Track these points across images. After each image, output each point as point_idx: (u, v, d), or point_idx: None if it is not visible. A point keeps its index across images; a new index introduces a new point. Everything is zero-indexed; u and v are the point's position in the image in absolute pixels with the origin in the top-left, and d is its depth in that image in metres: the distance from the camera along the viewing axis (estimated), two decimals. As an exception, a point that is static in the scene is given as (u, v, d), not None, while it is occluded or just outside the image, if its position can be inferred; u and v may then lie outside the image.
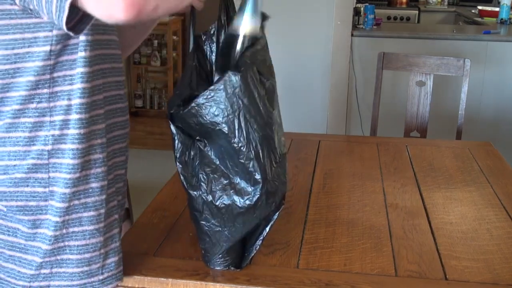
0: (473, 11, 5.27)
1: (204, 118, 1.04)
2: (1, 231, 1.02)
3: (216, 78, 1.15)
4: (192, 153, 1.12)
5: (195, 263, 1.20)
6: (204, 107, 1.04)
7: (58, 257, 1.02)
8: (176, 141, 1.11)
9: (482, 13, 4.91)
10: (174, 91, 1.13)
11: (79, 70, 0.98)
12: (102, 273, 1.06)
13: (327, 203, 1.54)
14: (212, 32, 1.17)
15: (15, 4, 0.91)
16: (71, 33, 0.89)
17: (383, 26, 4.01)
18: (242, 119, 1.04)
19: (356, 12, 3.73)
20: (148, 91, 5.10)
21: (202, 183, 1.10)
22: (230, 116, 1.03)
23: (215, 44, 1.18)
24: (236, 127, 1.04)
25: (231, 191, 1.09)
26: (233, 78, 1.03)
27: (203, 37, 1.18)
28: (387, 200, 1.57)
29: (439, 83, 3.16)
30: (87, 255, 1.04)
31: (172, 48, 5.00)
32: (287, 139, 2.06)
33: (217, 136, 1.07)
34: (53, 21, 0.88)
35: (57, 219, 1.01)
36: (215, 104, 1.03)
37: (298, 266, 1.21)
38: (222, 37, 1.16)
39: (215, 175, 1.10)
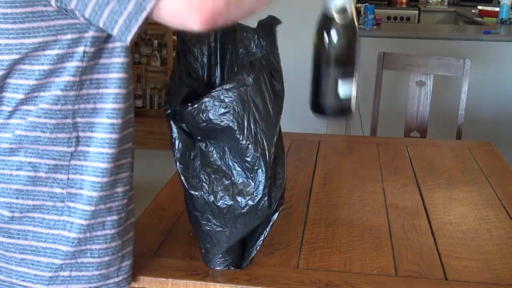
0: (473, 11, 5.27)
1: (214, 115, 1.05)
2: (10, 235, 1.00)
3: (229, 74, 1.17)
4: (192, 153, 1.12)
5: (195, 263, 1.20)
6: (214, 104, 1.05)
7: (79, 260, 1.01)
8: (177, 141, 1.11)
9: (482, 13, 4.91)
10: (168, 91, 1.13)
11: (116, 75, 0.96)
12: (118, 276, 1.06)
13: (327, 203, 1.54)
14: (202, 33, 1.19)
15: (50, 5, 0.87)
16: (126, 42, 0.89)
17: (383, 26, 4.01)
18: (251, 118, 1.05)
19: (356, 12, 3.73)
20: (148, 91, 5.09)
21: (203, 184, 1.10)
22: (241, 115, 1.05)
23: (206, 45, 1.20)
24: (246, 126, 1.05)
25: (233, 192, 1.09)
26: (247, 78, 1.05)
27: (193, 39, 1.19)
28: (387, 200, 1.57)
29: (439, 83, 3.15)
30: (106, 258, 1.03)
31: (172, 48, 4.99)
32: (287, 139, 2.07)
33: (223, 134, 1.07)
34: (109, 27, 0.87)
35: (83, 222, 0.99)
36: (226, 102, 1.04)
37: (298, 266, 1.21)
38: (213, 38, 1.18)
39: (217, 176, 1.10)
